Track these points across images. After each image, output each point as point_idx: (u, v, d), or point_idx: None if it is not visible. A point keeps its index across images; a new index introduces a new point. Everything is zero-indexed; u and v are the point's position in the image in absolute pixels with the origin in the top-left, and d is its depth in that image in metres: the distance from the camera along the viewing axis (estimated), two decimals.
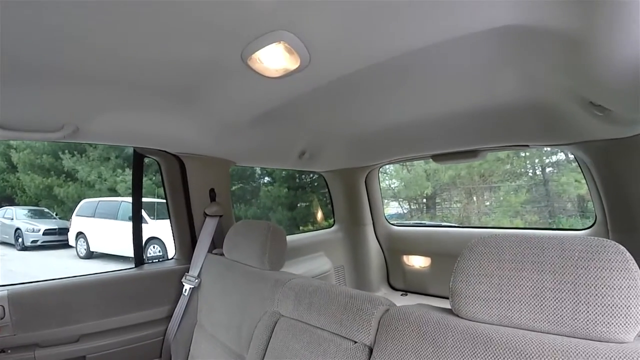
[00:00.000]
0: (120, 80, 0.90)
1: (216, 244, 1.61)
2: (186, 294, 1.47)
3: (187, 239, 1.67)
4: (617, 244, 0.59)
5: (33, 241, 8.11)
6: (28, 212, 9.34)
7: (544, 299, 0.59)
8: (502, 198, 6.98)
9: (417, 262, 2.50)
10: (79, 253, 7.87)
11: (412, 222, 2.69)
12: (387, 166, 8.00)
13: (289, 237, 2.45)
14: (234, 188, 10.56)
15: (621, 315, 0.55)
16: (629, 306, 0.55)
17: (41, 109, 1.02)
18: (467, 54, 0.92)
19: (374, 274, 2.60)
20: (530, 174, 6.96)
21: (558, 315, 0.58)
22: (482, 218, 7.25)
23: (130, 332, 1.44)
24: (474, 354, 0.62)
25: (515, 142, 1.70)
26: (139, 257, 1.62)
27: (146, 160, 1.62)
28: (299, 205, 9.53)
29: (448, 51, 0.89)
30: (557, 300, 0.58)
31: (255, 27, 0.68)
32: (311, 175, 8.86)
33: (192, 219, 1.65)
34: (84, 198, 8.70)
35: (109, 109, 1.08)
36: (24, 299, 1.27)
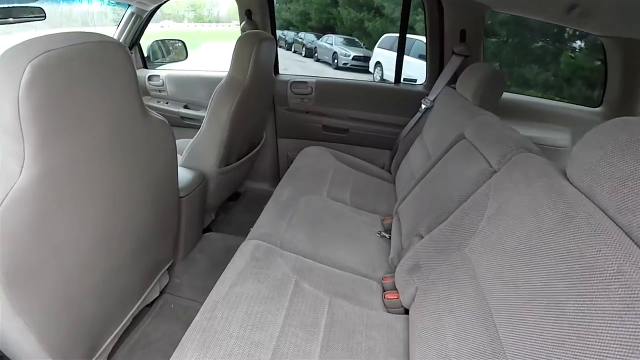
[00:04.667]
0: None
1: (456, 80, 1.87)
2: (421, 111, 1.91)
3: (434, 70, 1.99)
4: None
5: (344, 63, 10.27)
6: (343, 40, 11.45)
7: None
8: None
9: None
10: (375, 79, 9.26)
11: None
12: None
13: (537, 100, 2.26)
14: (532, 46, 9.19)
15: None
16: None
17: None
18: None
19: None
20: None
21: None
22: None
23: (377, 125, 2.10)
24: (549, 208, 0.67)
25: None
26: (398, 76, 2.12)
27: None
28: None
29: None
30: None
31: None
32: None
33: (443, 55, 1.93)
34: (386, 32, 9.66)
35: None
36: (322, 85, 2.11)
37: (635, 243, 0.52)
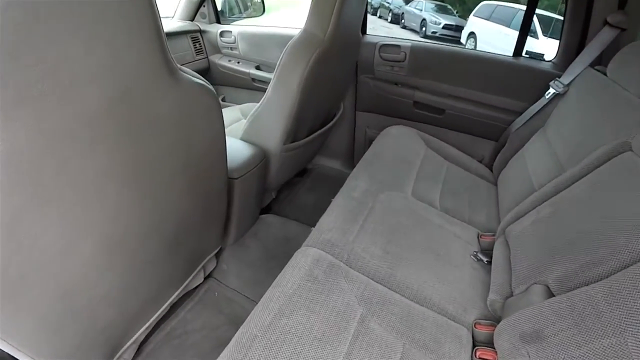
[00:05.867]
0: None
1: (603, 60, 1.37)
2: (547, 97, 1.44)
3: (573, 45, 1.49)
4: None
5: (433, 32, 9.36)
6: (434, 6, 10.43)
7: None
8: None
9: None
10: None
11: None
12: None
13: None
14: None
15: None
16: None
17: None
18: None
19: None
20: None
21: None
22: None
23: (483, 107, 1.65)
24: None
25: None
26: (520, 48, 1.64)
27: None
28: None
29: None
30: None
31: None
32: None
33: (588, 25, 1.42)
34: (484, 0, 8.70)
35: None
36: (419, 52, 1.69)
37: None
